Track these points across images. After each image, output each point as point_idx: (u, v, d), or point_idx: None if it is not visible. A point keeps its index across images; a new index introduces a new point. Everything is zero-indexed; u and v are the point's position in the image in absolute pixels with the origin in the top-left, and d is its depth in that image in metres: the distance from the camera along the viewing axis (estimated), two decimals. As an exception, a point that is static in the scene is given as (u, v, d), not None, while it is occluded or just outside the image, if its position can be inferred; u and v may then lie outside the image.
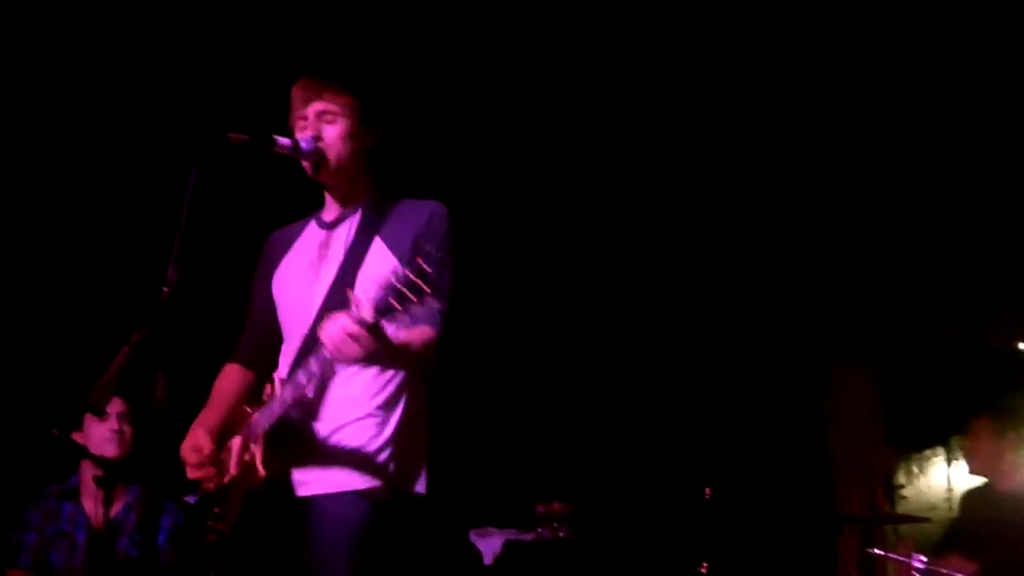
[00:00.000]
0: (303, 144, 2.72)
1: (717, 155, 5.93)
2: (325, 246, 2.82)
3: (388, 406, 2.69)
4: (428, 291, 2.18)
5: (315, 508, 2.63)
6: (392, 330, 2.42)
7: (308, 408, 2.66)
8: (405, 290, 2.18)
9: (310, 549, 2.61)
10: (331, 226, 2.85)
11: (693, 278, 6.44)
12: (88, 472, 4.21)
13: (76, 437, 4.23)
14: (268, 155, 2.68)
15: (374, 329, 2.33)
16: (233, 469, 2.71)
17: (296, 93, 2.83)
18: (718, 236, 6.36)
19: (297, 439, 2.67)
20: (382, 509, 2.62)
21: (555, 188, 6.07)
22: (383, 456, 2.66)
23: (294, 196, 3.01)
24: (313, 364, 2.51)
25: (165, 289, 2.39)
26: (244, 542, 2.72)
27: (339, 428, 2.66)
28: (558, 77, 5.34)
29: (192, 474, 2.74)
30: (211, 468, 2.72)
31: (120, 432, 4.16)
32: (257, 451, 2.64)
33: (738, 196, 6.15)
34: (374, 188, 2.89)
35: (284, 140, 2.69)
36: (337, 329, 2.35)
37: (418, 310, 2.21)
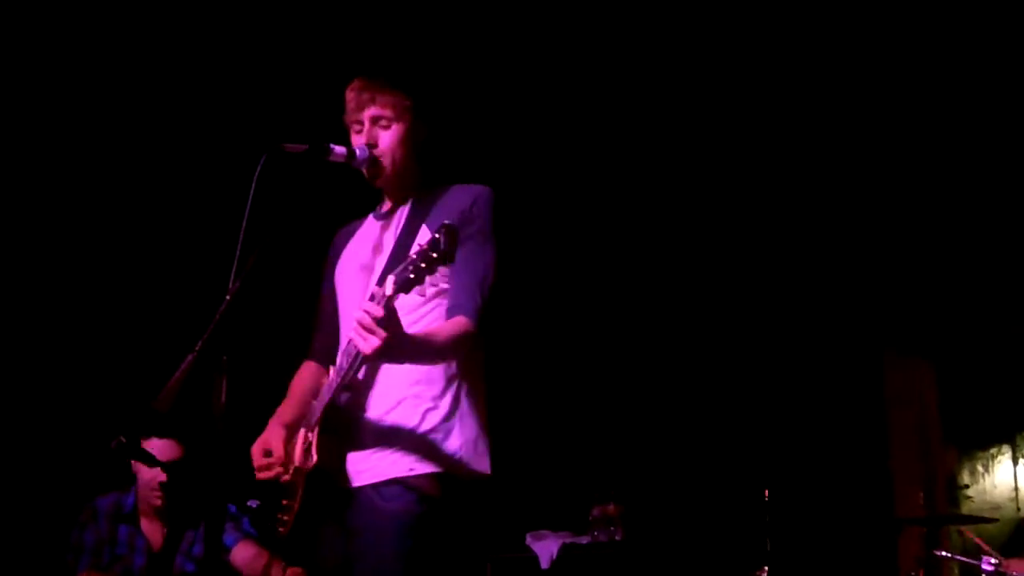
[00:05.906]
0: (358, 153, 2.75)
1: (775, 145, 5.90)
2: (379, 238, 2.85)
3: (435, 386, 2.65)
4: (435, 257, 2.18)
5: (361, 500, 2.61)
6: (421, 322, 2.55)
7: (357, 393, 2.66)
8: (418, 260, 2.20)
9: (355, 543, 2.59)
10: (386, 217, 2.89)
11: (749, 274, 6.39)
12: (145, 494, 4.22)
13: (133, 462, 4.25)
14: (325, 164, 2.71)
15: (386, 320, 2.31)
16: (297, 460, 2.73)
17: (349, 96, 2.83)
18: (774, 230, 6.31)
19: (349, 428, 2.67)
20: (429, 501, 2.58)
21: (600, 186, 6.07)
22: (435, 439, 2.62)
23: (352, 200, 3.06)
24: (344, 357, 2.57)
25: (227, 297, 2.44)
26: (304, 533, 2.74)
27: (386, 413, 2.64)
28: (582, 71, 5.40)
29: (259, 475, 2.76)
30: (278, 469, 2.73)
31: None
32: (312, 437, 2.65)
33: (794, 188, 6.10)
34: (425, 176, 2.89)
35: (339, 149, 2.72)
36: (355, 323, 2.36)
37: (434, 277, 2.20)
